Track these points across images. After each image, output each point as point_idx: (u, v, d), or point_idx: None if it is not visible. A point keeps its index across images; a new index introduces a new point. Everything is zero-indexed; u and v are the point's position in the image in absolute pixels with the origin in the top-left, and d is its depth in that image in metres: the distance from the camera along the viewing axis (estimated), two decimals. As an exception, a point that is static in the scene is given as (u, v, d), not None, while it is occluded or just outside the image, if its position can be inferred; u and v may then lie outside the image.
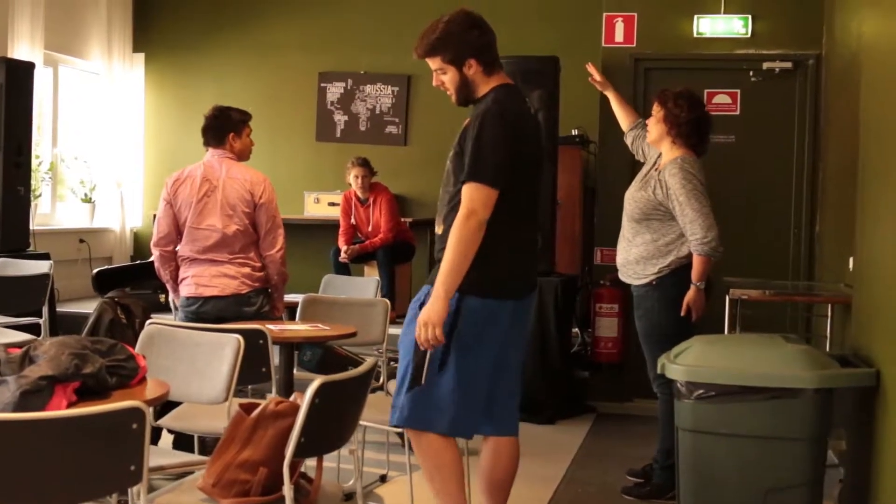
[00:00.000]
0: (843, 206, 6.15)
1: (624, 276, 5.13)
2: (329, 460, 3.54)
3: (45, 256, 7.53)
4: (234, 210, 5.03)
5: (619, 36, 7.37)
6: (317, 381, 2.94)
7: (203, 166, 5.13)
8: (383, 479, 5.25)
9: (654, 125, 5.10)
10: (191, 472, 3.81)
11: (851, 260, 5.55)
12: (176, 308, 5.43)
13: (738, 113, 7.30)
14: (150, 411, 2.59)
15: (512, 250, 3.64)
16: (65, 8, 9.13)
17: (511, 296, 3.65)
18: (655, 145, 5.15)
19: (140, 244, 9.93)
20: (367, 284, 6.81)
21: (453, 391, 3.58)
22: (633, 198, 5.08)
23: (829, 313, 5.88)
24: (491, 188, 3.49)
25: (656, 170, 5.04)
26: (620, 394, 7.24)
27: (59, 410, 2.73)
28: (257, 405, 3.19)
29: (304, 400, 2.93)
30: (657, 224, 4.96)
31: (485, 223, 3.50)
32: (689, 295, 4.86)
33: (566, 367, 7.15)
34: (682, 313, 4.86)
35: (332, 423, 3.10)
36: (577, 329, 7.66)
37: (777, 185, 7.31)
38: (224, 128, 5.16)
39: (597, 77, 5.79)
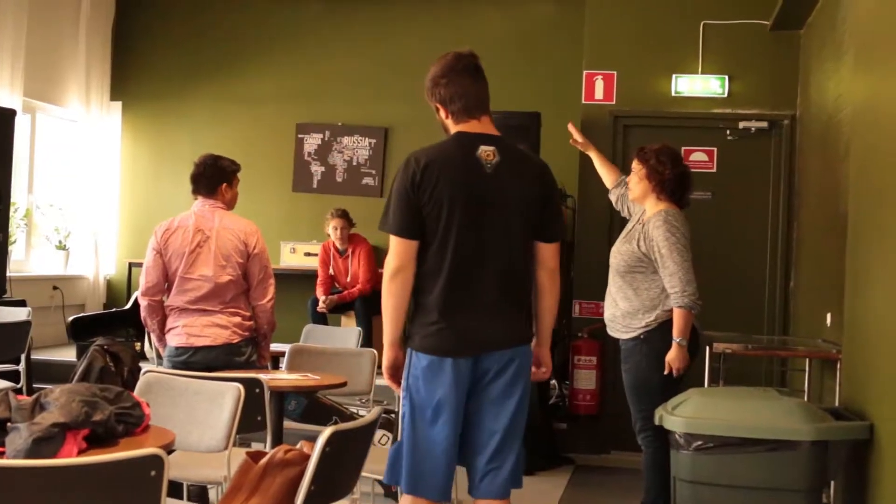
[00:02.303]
0: (819, 263, 6.28)
1: (612, 332, 5.16)
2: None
3: (22, 303, 7.47)
4: (228, 260, 5.03)
5: (598, 93, 7.51)
6: (328, 429, 2.97)
7: (194, 216, 5.10)
8: (369, 529, 5.25)
9: (637, 183, 5.17)
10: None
11: (829, 316, 5.67)
12: (159, 357, 5.41)
13: (714, 170, 7.44)
14: (168, 459, 2.60)
15: (442, 303, 3.54)
16: (44, 55, 9.15)
17: (450, 353, 3.53)
18: (639, 202, 5.22)
19: (113, 292, 9.88)
20: (348, 334, 6.83)
21: (408, 447, 3.57)
22: (619, 251, 5.15)
23: (807, 367, 5.97)
24: (396, 237, 3.55)
25: (640, 223, 5.12)
26: (598, 446, 7.28)
27: (71, 457, 2.74)
28: (264, 454, 3.20)
29: (316, 448, 2.95)
30: (641, 277, 5.01)
31: (399, 271, 3.54)
32: (671, 353, 4.87)
33: (544, 418, 7.19)
34: (665, 372, 4.90)
35: (341, 471, 3.12)
36: (554, 381, 7.70)
37: (752, 242, 7.44)
38: (217, 177, 5.15)
39: (578, 138, 5.88)
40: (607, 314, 5.18)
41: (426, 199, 3.51)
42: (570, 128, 5.91)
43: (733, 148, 7.45)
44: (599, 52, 7.57)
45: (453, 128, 3.66)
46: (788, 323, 7.31)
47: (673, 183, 5.08)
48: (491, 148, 3.58)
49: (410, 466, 3.56)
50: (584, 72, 7.56)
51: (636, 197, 5.20)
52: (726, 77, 7.39)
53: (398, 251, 3.54)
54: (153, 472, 2.54)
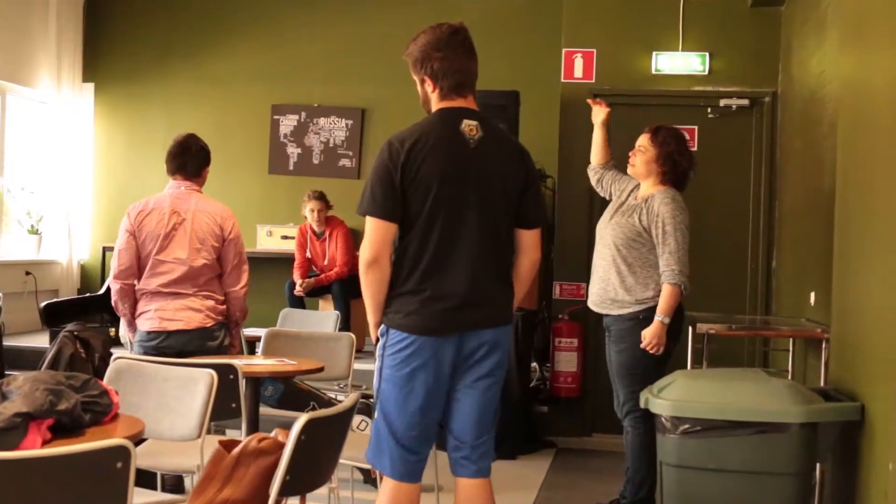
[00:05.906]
0: (801, 242, 6.22)
1: (601, 308, 5.05)
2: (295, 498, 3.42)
3: (-8, 289, 7.34)
4: (203, 244, 4.90)
5: (578, 71, 7.41)
6: (303, 417, 2.87)
7: (170, 198, 4.96)
8: (348, 516, 5.16)
9: (644, 163, 5.07)
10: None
11: (812, 295, 5.60)
12: (131, 342, 5.28)
13: (695, 149, 7.32)
14: (135, 450, 2.49)
15: (426, 281, 3.43)
16: (14, 36, 8.96)
17: (433, 332, 3.42)
18: (639, 178, 5.14)
19: (87, 277, 9.73)
20: (326, 318, 6.73)
21: (384, 426, 3.49)
22: (618, 223, 5.05)
23: (791, 347, 5.91)
24: (376, 219, 3.42)
25: (643, 200, 5.03)
26: (580, 428, 7.22)
27: (35, 449, 2.63)
28: (237, 442, 3.10)
29: (291, 436, 2.86)
30: (636, 254, 4.95)
31: (376, 259, 3.42)
32: (651, 329, 4.81)
33: (526, 401, 7.11)
34: (643, 345, 4.81)
35: (318, 459, 3.03)
36: (535, 363, 7.63)
37: (734, 221, 7.37)
38: (203, 159, 5.04)
39: (601, 104, 5.58)
40: (597, 290, 5.06)
41: (410, 180, 3.40)
42: (594, 103, 5.64)
43: (714, 126, 7.38)
44: (578, 30, 7.47)
45: (437, 104, 3.54)
46: (771, 302, 7.25)
47: (679, 175, 5.09)
48: (474, 122, 3.49)
49: (387, 444, 3.48)
50: (563, 50, 7.45)
51: (639, 174, 5.12)
52: (707, 54, 7.30)
53: (376, 237, 3.42)
54: (119, 464, 2.44)
